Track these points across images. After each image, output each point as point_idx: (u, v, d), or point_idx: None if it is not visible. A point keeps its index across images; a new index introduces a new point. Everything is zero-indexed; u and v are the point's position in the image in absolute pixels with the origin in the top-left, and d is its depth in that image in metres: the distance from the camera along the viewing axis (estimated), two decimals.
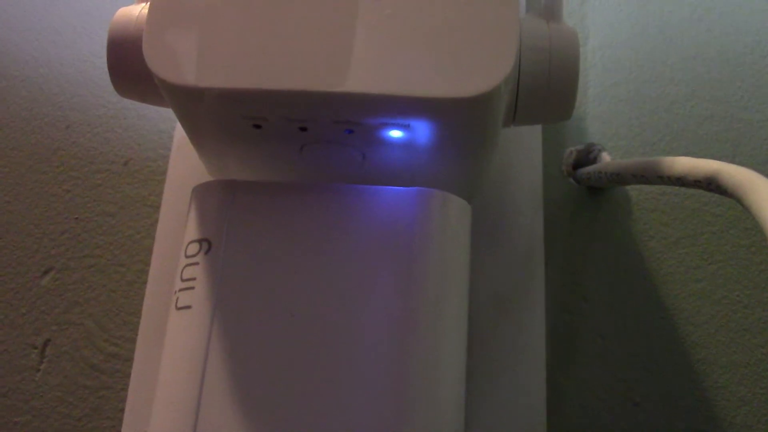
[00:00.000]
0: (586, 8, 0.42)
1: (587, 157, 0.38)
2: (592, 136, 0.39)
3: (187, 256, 0.27)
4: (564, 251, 0.37)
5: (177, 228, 0.29)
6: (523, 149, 0.37)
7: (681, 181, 0.28)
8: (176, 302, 0.27)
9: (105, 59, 0.29)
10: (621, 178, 0.33)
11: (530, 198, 0.36)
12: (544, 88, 0.28)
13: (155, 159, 0.39)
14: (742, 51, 0.41)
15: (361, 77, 0.25)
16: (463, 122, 0.27)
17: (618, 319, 0.36)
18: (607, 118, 0.40)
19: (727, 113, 0.39)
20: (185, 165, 0.38)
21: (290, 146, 0.29)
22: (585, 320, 0.36)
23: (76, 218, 0.38)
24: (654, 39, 0.41)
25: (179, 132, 0.39)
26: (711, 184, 0.26)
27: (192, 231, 0.28)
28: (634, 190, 0.38)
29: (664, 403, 0.35)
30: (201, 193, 0.28)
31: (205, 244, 0.27)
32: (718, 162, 0.26)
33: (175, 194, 0.37)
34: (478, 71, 0.25)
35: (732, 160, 0.38)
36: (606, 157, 0.38)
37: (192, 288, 0.27)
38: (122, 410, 0.34)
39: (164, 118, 0.40)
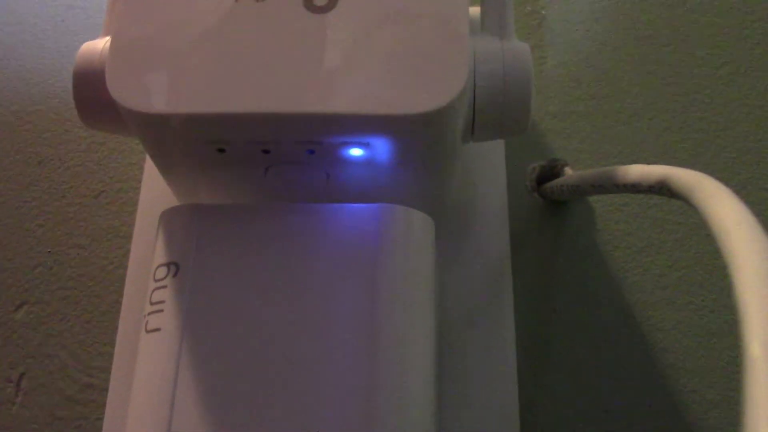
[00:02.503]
0: (543, 29, 0.43)
1: (551, 172, 0.39)
2: (554, 152, 0.40)
3: (155, 280, 0.28)
4: (531, 264, 0.37)
5: (149, 257, 0.30)
6: (487, 166, 0.38)
7: (636, 187, 0.29)
8: (146, 325, 0.27)
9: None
10: (581, 189, 0.34)
11: (496, 214, 0.37)
12: (500, 103, 0.29)
13: (127, 191, 0.40)
14: (697, 63, 0.42)
15: (318, 97, 0.25)
16: (421, 138, 0.27)
17: (587, 329, 0.36)
18: (568, 133, 0.40)
19: (685, 124, 0.41)
20: (156, 195, 0.38)
21: (255, 169, 0.29)
22: (554, 330, 0.36)
23: (49, 251, 0.39)
24: (611, 55, 0.42)
25: (150, 163, 0.39)
26: (663, 188, 0.27)
27: (160, 255, 0.28)
28: (597, 202, 0.39)
29: (634, 410, 0.35)
30: (168, 217, 0.29)
31: (173, 267, 0.28)
32: (668, 167, 0.27)
33: (146, 224, 0.37)
34: (432, 88, 0.26)
35: (691, 168, 0.39)
36: (569, 171, 0.39)
37: (161, 311, 0.27)
38: None
39: (135, 151, 0.41)
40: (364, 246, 0.27)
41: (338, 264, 0.27)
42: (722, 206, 0.22)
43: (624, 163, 0.39)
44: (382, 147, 0.27)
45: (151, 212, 0.37)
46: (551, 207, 0.39)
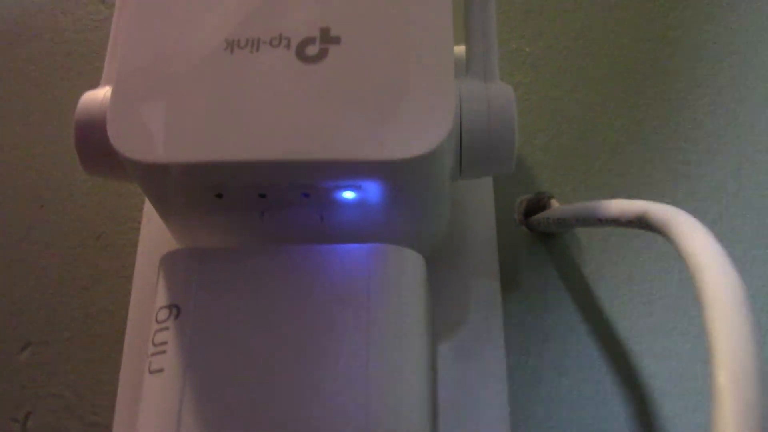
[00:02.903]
0: (528, 65, 0.45)
1: (537, 204, 0.41)
2: (541, 185, 0.41)
3: (158, 322, 0.29)
4: (520, 296, 0.39)
5: (150, 297, 0.31)
6: (475, 202, 0.39)
7: (617, 221, 0.30)
8: (149, 366, 0.28)
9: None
10: (566, 222, 0.35)
11: (485, 247, 0.38)
12: (486, 143, 0.30)
13: (127, 232, 0.41)
14: (677, 96, 0.44)
15: (311, 145, 0.27)
16: (411, 181, 0.29)
17: (577, 357, 0.37)
18: (554, 166, 0.42)
19: (666, 156, 0.42)
20: (156, 237, 0.39)
21: (251, 212, 0.30)
22: (545, 360, 0.37)
23: (52, 293, 0.40)
24: (594, 89, 0.44)
25: (149, 205, 0.40)
26: (642, 223, 0.28)
27: (162, 298, 0.29)
28: (583, 234, 0.40)
29: None
30: (168, 261, 0.30)
31: (175, 309, 0.29)
32: (646, 201, 0.28)
33: (146, 265, 0.39)
34: (420, 133, 0.27)
35: (674, 199, 0.41)
36: (555, 203, 0.40)
37: (163, 352, 0.28)
38: None
39: (134, 193, 0.42)
40: (358, 285, 0.28)
41: (334, 303, 0.28)
42: (695, 242, 0.23)
43: (609, 195, 0.40)
44: (373, 190, 0.28)
45: (150, 254, 0.39)
46: (539, 239, 0.40)
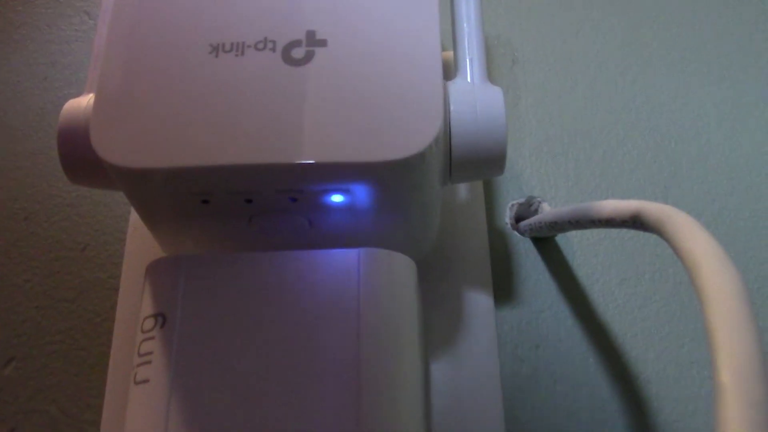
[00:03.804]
0: (516, 70, 0.44)
1: (529, 209, 0.40)
2: (532, 189, 0.41)
3: (143, 332, 0.28)
4: (513, 301, 0.38)
5: (136, 309, 0.30)
6: (466, 207, 0.39)
7: (610, 222, 0.29)
8: (135, 377, 0.27)
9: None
10: (559, 226, 0.35)
11: (477, 253, 0.38)
12: (475, 146, 0.30)
13: (112, 243, 0.40)
14: (665, 99, 0.43)
15: (297, 148, 0.26)
16: (400, 183, 0.28)
17: (570, 363, 0.37)
18: (544, 170, 0.41)
19: (657, 158, 0.42)
20: (142, 246, 0.39)
21: (239, 218, 0.30)
22: (538, 366, 0.37)
23: (36, 306, 0.39)
24: (583, 93, 0.44)
25: (134, 215, 0.40)
26: (636, 222, 0.27)
27: (147, 307, 0.29)
28: (576, 237, 0.39)
29: None
30: (153, 269, 0.29)
31: (160, 318, 0.28)
32: (639, 201, 0.27)
33: (132, 276, 0.38)
34: (408, 134, 0.26)
35: (665, 201, 0.40)
36: (546, 208, 0.40)
37: (149, 362, 0.27)
38: None
39: (119, 203, 0.41)
40: (348, 290, 0.28)
41: (323, 309, 0.27)
42: (692, 239, 0.23)
43: (600, 199, 0.40)
44: (362, 193, 0.28)
45: (136, 264, 0.38)
46: (531, 243, 0.39)
